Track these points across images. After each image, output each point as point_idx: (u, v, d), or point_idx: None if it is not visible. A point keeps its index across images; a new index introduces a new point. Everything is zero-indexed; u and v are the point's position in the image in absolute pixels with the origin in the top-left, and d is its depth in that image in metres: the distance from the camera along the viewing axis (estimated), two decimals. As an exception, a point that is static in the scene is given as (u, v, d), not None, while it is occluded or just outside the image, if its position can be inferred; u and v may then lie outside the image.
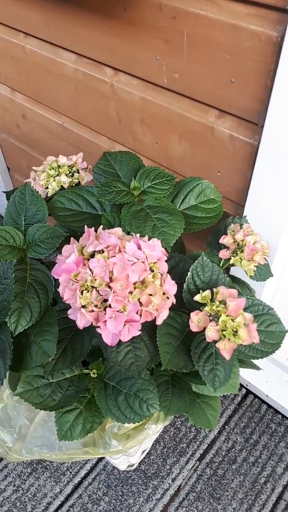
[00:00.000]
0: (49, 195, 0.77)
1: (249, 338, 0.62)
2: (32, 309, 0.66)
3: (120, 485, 1.06)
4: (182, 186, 0.77)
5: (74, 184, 0.78)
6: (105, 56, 0.86)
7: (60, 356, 0.65)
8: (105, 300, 0.59)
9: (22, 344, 0.67)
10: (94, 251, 0.62)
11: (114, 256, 0.60)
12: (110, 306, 0.59)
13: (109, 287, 0.59)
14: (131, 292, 0.59)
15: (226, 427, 1.14)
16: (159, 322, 0.61)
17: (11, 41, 1.05)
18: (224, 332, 0.61)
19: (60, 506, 1.04)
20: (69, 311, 0.61)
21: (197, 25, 0.67)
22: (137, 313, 0.60)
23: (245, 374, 1.19)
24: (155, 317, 0.61)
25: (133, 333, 0.60)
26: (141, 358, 0.62)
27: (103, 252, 0.61)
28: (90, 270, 0.60)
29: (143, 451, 1.08)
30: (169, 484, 1.06)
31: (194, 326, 0.63)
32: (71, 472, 1.09)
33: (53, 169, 0.78)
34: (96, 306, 0.59)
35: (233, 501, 1.03)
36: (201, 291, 0.64)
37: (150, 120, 0.87)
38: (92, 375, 0.66)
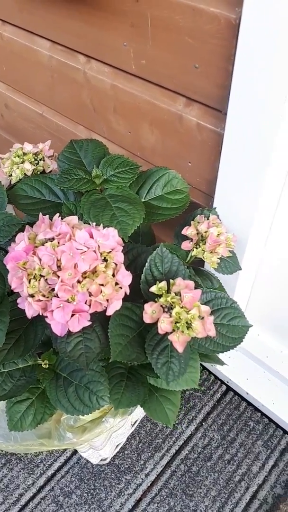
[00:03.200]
0: (12, 182, 0.76)
1: (203, 330, 0.60)
2: (-13, 298, 0.65)
3: (93, 478, 1.05)
4: (148, 176, 0.75)
5: (38, 172, 0.77)
6: (77, 42, 0.84)
7: (12, 346, 0.64)
8: (54, 290, 0.58)
9: (-23, 332, 0.66)
10: (46, 239, 0.61)
11: (64, 244, 0.59)
12: (57, 295, 0.57)
13: (58, 276, 0.58)
14: (79, 282, 0.58)
15: (203, 423, 1.12)
16: (109, 312, 0.60)
17: (-11, 28, 1.03)
18: (177, 324, 0.59)
19: (32, 498, 1.04)
20: (18, 300, 0.60)
21: (159, 8, 0.65)
22: (86, 303, 0.59)
23: (226, 371, 1.17)
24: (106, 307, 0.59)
25: (83, 323, 0.59)
26: (91, 349, 0.61)
27: (53, 240, 0.60)
28: (39, 258, 0.58)
29: (117, 445, 1.07)
30: (142, 479, 1.05)
31: (147, 318, 0.61)
32: (44, 464, 1.08)
33: (18, 156, 0.76)
34: (44, 295, 0.58)
35: (205, 498, 1.02)
36: (157, 282, 0.63)
37: (122, 108, 0.85)
38: (44, 366, 0.65)
